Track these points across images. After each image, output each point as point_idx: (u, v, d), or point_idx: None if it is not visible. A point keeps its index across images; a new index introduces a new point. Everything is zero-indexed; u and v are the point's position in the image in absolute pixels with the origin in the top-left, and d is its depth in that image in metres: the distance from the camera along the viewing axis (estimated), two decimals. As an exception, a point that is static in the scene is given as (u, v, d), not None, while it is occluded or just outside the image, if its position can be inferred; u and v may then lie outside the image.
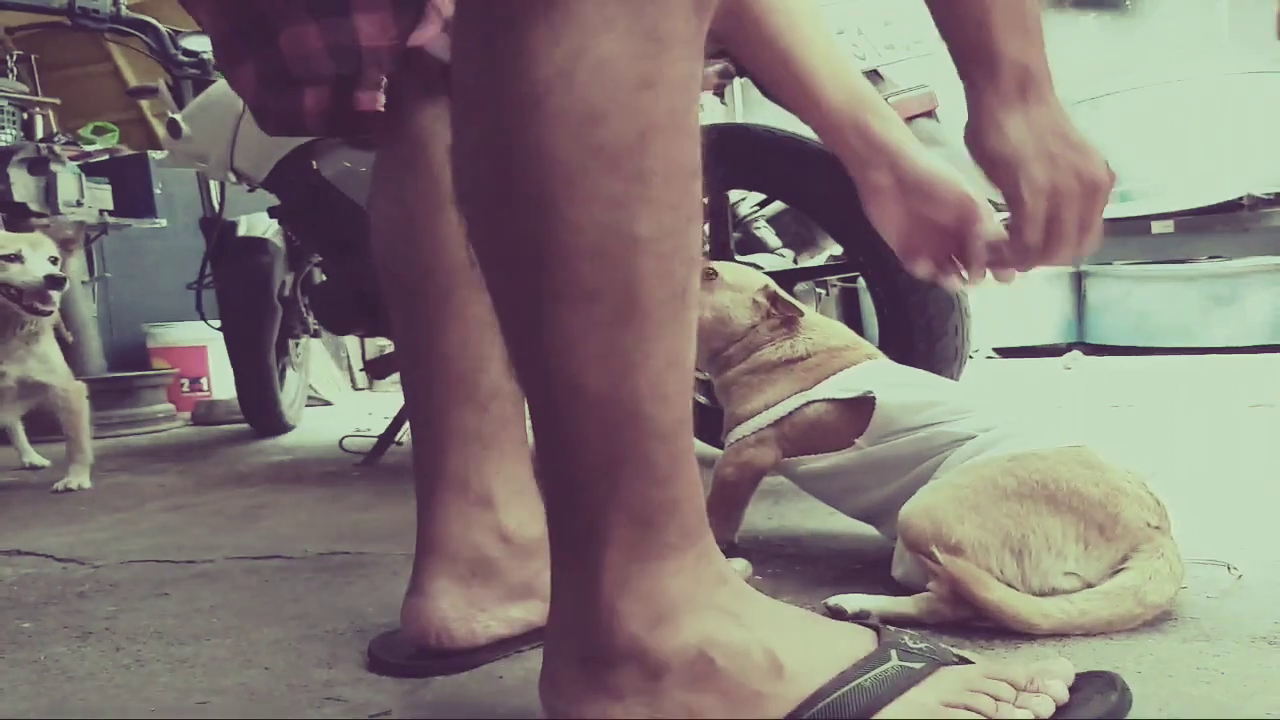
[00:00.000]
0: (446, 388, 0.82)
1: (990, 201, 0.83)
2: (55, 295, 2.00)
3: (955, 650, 0.64)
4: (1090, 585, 0.85)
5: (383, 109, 0.80)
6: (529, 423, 0.83)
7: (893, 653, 0.61)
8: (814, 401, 1.07)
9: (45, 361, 2.08)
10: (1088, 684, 0.63)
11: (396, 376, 3.15)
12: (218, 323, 2.66)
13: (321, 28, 0.76)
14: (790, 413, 1.08)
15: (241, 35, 0.80)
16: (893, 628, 0.65)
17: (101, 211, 3.22)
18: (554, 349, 0.55)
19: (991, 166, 0.77)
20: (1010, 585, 0.85)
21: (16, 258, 1.98)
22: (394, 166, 0.83)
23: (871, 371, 1.08)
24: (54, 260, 2.03)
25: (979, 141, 0.77)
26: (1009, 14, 0.74)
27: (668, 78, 0.54)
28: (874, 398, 1.03)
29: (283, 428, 2.74)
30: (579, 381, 0.55)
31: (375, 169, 0.86)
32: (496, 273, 0.58)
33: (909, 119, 1.52)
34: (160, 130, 3.43)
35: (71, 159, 3.26)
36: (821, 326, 1.14)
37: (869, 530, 1.23)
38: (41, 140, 3.47)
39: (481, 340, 0.81)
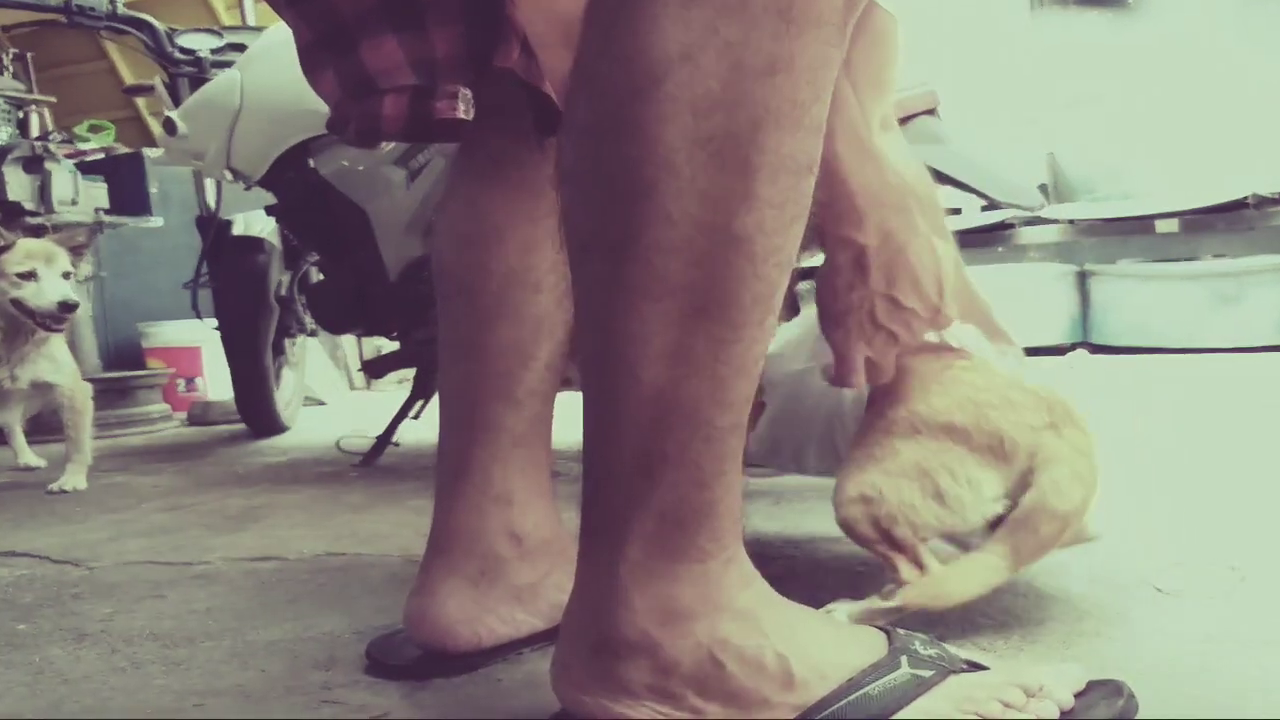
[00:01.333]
0: (487, 382, 0.82)
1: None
2: (69, 317, 2.02)
3: (965, 655, 0.64)
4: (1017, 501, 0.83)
5: (463, 116, 0.81)
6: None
7: (903, 659, 0.60)
8: None
9: (54, 361, 2.09)
10: (1093, 690, 0.63)
11: (394, 377, 3.13)
12: (214, 322, 2.65)
13: (401, 40, 0.78)
14: None
15: (323, 44, 0.82)
16: (904, 631, 0.64)
17: (97, 210, 3.20)
18: (623, 340, 0.54)
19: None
20: (950, 531, 0.84)
21: (31, 275, 1.99)
22: (469, 174, 0.85)
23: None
24: (67, 275, 2.04)
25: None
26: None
27: (796, 64, 0.51)
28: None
29: (279, 428, 2.73)
30: (641, 375, 0.54)
31: (451, 178, 0.88)
32: (581, 256, 0.56)
33: (910, 117, 1.52)
34: (156, 128, 3.43)
35: (67, 157, 3.25)
36: None
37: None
38: (37, 138, 3.46)
39: (530, 339, 0.82)
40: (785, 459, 1.10)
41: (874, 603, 0.86)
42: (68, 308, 2.00)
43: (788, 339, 1.00)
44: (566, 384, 1.14)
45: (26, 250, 2.03)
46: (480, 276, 0.82)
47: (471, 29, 0.79)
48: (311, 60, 0.84)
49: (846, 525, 0.86)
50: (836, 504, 0.88)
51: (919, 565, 0.83)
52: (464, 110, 0.80)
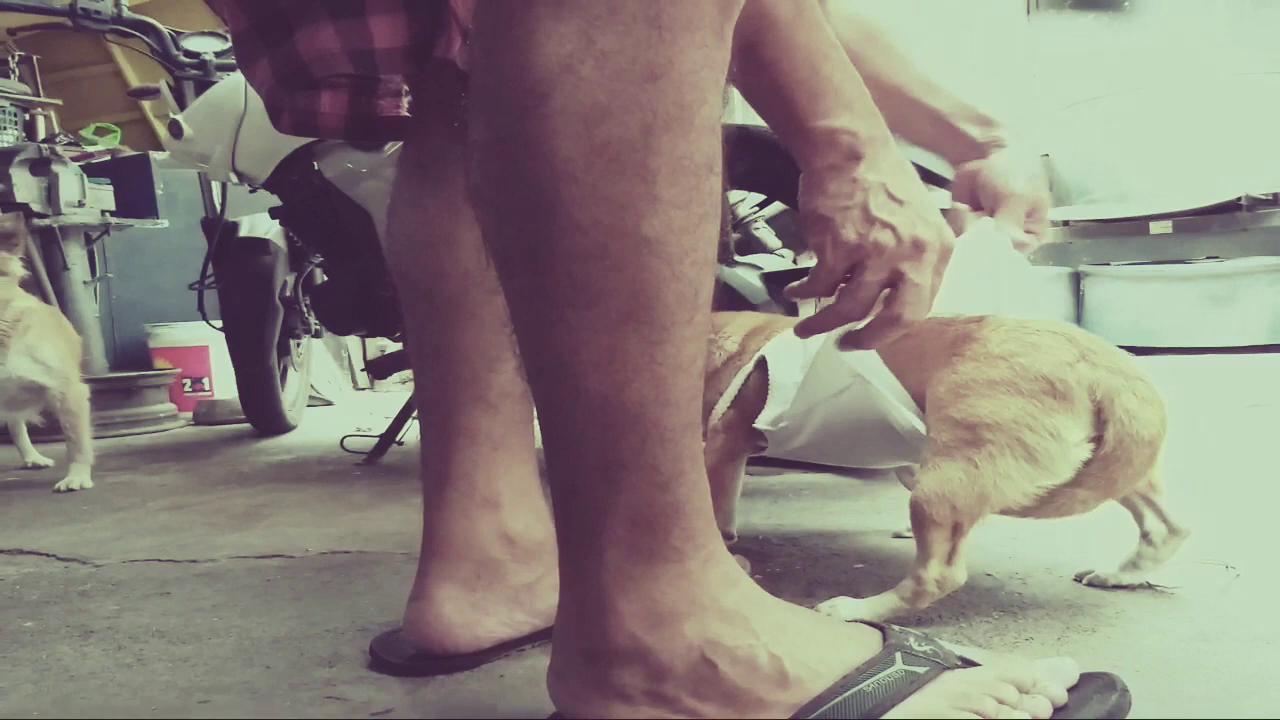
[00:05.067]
0: (458, 388, 0.81)
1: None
2: None
3: (959, 651, 0.64)
4: (1100, 438, 0.83)
5: (405, 114, 0.79)
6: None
7: (897, 656, 0.60)
8: (749, 375, 1.09)
9: (38, 360, 2.03)
10: (1087, 684, 0.63)
11: (397, 376, 3.15)
12: (219, 323, 2.67)
13: (338, 28, 0.75)
14: (738, 392, 1.09)
15: (259, 32, 0.79)
16: (898, 628, 0.65)
17: (103, 212, 3.22)
18: (559, 350, 0.55)
19: (809, 225, 0.73)
20: (1042, 492, 0.84)
21: None
22: (414, 174, 0.83)
23: (774, 344, 1.09)
24: None
25: (804, 201, 0.73)
26: (821, 95, 0.71)
27: (676, 69, 0.52)
28: (764, 358, 1.06)
29: (284, 427, 2.75)
30: (582, 384, 0.55)
31: (396, 176, 0.86)
32: (505, 271, 0.57)
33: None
34: (162, 131, 3.44)
35: (73, 160, 3.27)
36: (737, 320, 1.17)
37: (869, 529, 1.24)
38: (43, 141, 3.48)
39: (495, 341, 0.81)
40: (832, 453, 1.10)
41: (889, 600, 0.86)
42: None
43: (821, 355, 1.00)
44: None
45: None
46: (437, 280, 0.80)
47: (413, 18, 0.76)
48: (246, 50, 0.81)
49: (921, 508, 0.85)
50: (917, 487, 0.87)
51: (950, 560, 0.84)
52: (407, 108, 0.78)
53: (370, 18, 0.75)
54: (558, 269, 0.53)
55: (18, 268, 2.05)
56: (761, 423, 1.05)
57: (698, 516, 0.59)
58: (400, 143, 0.86)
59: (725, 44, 0.55)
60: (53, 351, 2.07)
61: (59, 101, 4.00)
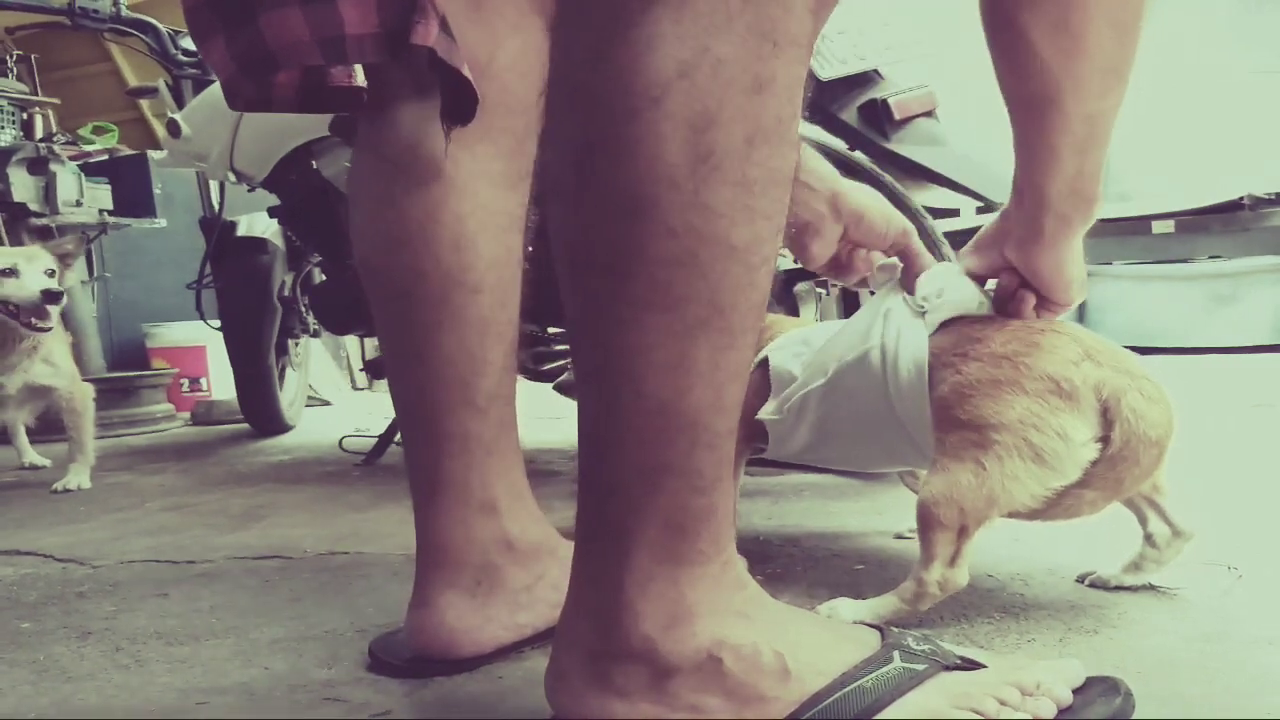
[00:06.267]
0: (444, 391, 0.80)
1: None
2: (53, 310, 1.98)
3: (961, 651, 0.64)
4: (1107, 438, 0.83)
5: (358, 85, 0.77)
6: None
7: (895, 654, 0.61)
8: (750, 376, 1.08)
9: (51, 364, 2.07)
10: (1091, 687, 0.63)
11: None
12: (217, 322, 2.66)
13: (306, 14, 0.72)
14: None
15: (214, 8, 0.76)
16: (896, 629, 0.65)
17: (101, 211, 3.21)
18: (627, 353, 0.55)
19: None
20: (1051, 492, 0.83)
21: (11, 272, 1.95)
22: (382, 166, 0.80)
23: (777, 342, 1.08)
24: (51, 273, 2.00)
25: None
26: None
27: (778, 82, 0.53)
28: (766, 359, 1.05)
29: (282, 428, 2.74)
30: (644, 388, 0.55)
31: (357, 168, 0.82)
32: (575, 272, 0.56)
33: (909, 119, 1.52)
34: (160, 130, 3.43)
35: (71, 159, 3.26)
36: None
37: (870, 530, 1.24)
38: (41, 140, 3.48)
39: (479, 343, 0.79)
40: (831, 456, 1.08)
41: (890, 602, 0.86)
42: (52, 297, 1.96)
43: (829, 336, 1.00)
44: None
45: (5, 251, 2.02)
46: (414, 280, 0.78)
47: (383, 2, 0.73)
48: (200, 24, 0.77)
49: (929, 510, 0.84)
50: (924, 489, 0.86)
51: (953, 562, 0.84)
52: (360, 79, 0.76)
53: (340, 1, 0.73)
54: (642, 272, 0.53)
55: (70, 280, 2.15)
56: (764, 413, 1.04)
57: (724, 520, 0.60)
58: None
59: (809, 61, 0.56)
60: (61, 353, 2.10)
61: (57, 100, 4.00)
